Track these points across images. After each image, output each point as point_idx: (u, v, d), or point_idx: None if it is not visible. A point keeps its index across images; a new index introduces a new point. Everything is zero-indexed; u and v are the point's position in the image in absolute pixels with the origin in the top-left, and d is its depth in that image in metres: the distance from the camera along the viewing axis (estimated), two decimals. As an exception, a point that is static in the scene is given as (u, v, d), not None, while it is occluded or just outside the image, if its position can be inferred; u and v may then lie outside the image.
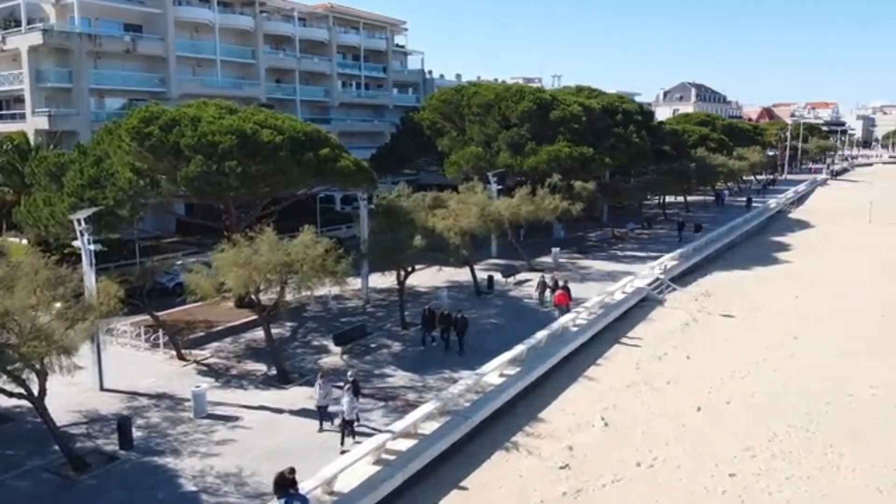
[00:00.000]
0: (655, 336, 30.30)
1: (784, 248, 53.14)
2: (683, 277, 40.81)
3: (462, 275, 35.32)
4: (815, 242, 55.64)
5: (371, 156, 50.13)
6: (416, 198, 33.86)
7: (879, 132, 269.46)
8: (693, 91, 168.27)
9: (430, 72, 75.54)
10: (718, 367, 26.46)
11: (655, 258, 42.50)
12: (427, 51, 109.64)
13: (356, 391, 18.85)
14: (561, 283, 31.33)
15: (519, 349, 23.81)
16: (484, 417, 20.27)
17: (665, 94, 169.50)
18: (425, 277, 35.17)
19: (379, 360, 24.81)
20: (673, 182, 57.90)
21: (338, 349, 25.42)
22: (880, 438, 20.33)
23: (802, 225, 65.76)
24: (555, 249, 43.01)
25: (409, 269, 28.32)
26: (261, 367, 23.94)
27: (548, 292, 32.05)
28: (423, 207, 33.59)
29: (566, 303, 30.23)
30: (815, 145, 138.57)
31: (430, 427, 18.64)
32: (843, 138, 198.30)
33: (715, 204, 75.82)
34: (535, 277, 37.54)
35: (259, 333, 25.60)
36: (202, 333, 27.16)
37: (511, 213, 35.28)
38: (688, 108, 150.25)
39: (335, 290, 27.77)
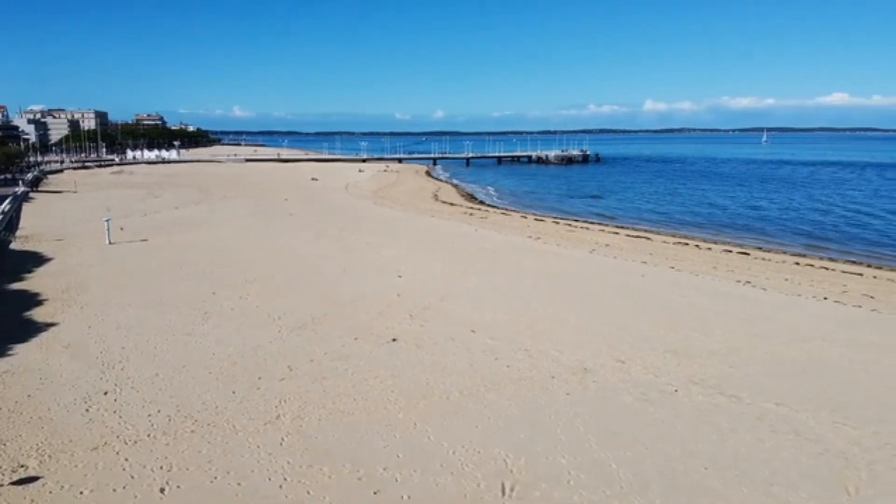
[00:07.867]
0: None
1: (37, 301, 33.89)
2: None
3: None
4: (82, 286, 38.29)
5: None
6: None
7: (54, 136, 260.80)
8: None
9: None
10: None
11: None
12: None
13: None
14: None
15: None
16: None
17: None
18: None
19: None
20: None
21: None
22: None
23: (37, 260, 46.39)
24: None
25: None
26: None
27: None
28: None
29: None
30: (2, 153, 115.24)
31: None
32: (21, 144, 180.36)
33: None
34: None
35: None
36: None
37: None
38: None
39: None
